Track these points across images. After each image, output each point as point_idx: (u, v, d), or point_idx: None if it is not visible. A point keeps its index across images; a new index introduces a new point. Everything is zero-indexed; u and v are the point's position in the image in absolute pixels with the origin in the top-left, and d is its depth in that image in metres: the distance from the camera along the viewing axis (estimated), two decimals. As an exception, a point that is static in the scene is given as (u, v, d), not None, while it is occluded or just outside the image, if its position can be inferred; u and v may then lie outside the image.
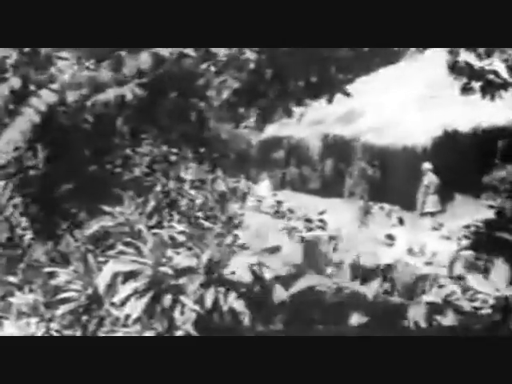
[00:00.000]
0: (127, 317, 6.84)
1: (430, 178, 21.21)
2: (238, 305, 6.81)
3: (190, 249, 6.82)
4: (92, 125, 7.12)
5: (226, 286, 6.87)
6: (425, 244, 18.84)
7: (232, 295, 6.89)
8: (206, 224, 6.85)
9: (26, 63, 6.17)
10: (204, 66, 6.83)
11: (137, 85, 6.21)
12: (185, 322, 6.77)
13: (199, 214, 6.98)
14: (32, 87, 6.25)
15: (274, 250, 7.30)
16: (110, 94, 6.19)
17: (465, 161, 20.52)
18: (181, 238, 6.86)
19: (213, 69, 6.27)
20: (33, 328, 7.20)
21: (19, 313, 7.25)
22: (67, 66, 6.11)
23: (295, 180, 24.48)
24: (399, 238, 19.12)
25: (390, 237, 19.06)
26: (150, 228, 6.65)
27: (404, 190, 21.08)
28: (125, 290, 6.74)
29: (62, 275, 7.13)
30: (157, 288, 6.74)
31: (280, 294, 6.90)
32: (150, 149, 7.24)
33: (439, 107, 21.63)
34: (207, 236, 6.76)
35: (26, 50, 6.27)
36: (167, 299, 6.80)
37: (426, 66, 21.86)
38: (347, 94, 7.01)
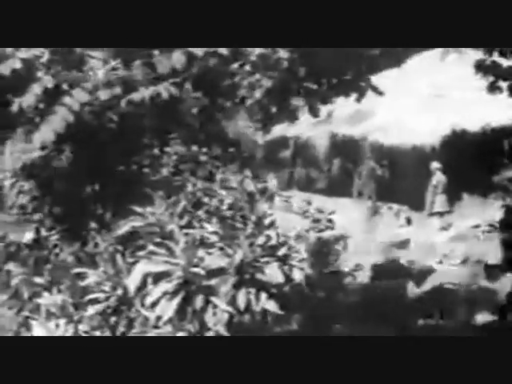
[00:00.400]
0: (158, 318, 6.77)
1: (438, 178, 21.18)
2: (270, 305, 6.75)
3: (221, 249, 6.74)
4: (120, 124, 7.06)
5: (257, 287, 6.79)
6: (435, 244, 18.82)
7: (263, 296, 6.82)
8: (237, 224, 6.77)
9: (58, 62, 6.11)
10: (235, 65, 6.77)
11: (171, 84, 6.16)
12: (216, 323, 6.70)
13: (229, 214, 6.91)
14: (65, 86, 6.18)
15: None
16: (145, 93, 6.13)
17: (473, 160, 20.49)
18: (212, 239, 6.78)
19: (247, 68, 6.21)
20: (61, 329, 7.13)
21: (48, 314, 7.18)
22: (99, 65, 6.04)
23: (302, 180, 24.42)
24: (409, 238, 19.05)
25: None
26: (181, 228, 6.57)
27: (412, 189, 21.04)
28: (156, 291, 6.67)
29: (91, 276, 7.05)
30: (188, 289, 6.66)
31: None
32: (178, 148, 7.18)
33: (448, 106, 21.60)
34: (239, 236, 6.69)
35: (59, 49, 6.21)
36: (199, 300, 6.73)
37: (435, 66, 21.82)
38: (379, 93, 6.96)
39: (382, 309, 10.53)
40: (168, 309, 6.70)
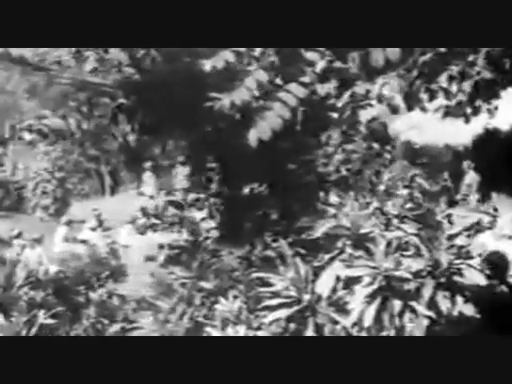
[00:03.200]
0: (354, 324, 6.49)
1: (472, 177, 21.14)
2: (469, 310, 6.50)
3: (418, 251, 6.47)
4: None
5: (453, 290, 6.54)
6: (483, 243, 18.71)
7: (460, 299, 6.57)
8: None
9: (271, 55, 5.79)
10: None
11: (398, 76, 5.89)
12: (414, 329, 6.44)
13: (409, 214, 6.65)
14: (279, 81, 5.85)
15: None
16: (374, 87, 5.84)
17: (505, 159, 20.50)
18: (409, 240, 6.51)
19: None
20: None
21: (225, 320, 6.85)
22: (316, 58, 5.74)
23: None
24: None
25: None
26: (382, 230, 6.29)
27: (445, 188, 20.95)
28: (357, 296, 6.38)
29: (273, 281, 6.74)
30: (386, 294, 6.38)
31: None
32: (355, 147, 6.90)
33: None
34: (439, 237, 6.43)
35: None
36: (397, 305, 6.45)
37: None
38: None
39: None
40: (367, 315, 6.40)
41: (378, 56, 5.89)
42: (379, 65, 5.90)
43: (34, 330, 6.27)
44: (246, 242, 7.19)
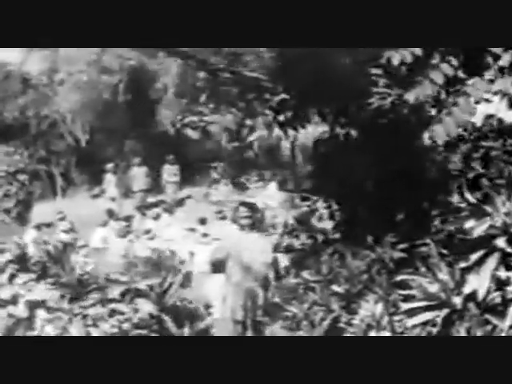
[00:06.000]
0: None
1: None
2: None
3: None
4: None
5: None
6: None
7: None
8: None
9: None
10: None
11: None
12: None
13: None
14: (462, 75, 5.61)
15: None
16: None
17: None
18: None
19: None
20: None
21: (367, 326, 6.56)
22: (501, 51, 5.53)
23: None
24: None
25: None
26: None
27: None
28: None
29: (419, 283, 6.49)
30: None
31: None
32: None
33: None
34: None
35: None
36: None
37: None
38: None
39: None
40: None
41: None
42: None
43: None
44: (368, 244, 6.89)
